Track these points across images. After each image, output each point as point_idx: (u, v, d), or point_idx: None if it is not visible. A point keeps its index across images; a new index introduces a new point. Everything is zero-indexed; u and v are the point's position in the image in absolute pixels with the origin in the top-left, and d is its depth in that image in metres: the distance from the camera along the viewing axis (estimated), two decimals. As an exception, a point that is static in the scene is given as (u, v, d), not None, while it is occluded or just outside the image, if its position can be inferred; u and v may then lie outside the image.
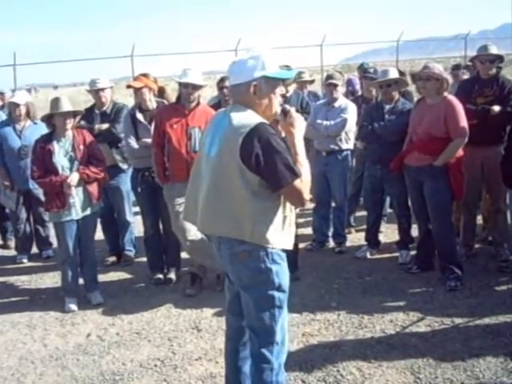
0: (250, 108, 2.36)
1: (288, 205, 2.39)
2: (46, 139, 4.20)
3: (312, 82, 7.14)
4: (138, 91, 4.60)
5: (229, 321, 2.67)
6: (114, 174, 4.97)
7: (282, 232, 2.38)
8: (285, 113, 2.45)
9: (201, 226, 2.52)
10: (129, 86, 4.74)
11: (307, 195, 2.35)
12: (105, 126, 4.94)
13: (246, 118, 2.32)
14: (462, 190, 4.27)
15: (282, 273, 2.42)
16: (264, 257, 2.35)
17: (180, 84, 4.21)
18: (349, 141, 5.13)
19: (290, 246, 2.44)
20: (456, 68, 7.24)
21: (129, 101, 7.56)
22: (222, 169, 2.32)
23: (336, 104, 5.09)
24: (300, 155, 2.38)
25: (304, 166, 2.36)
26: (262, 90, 2.36)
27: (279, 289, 2.42)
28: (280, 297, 2.43)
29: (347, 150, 5.14)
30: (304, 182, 2.32)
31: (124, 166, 5.07)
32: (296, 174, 2.29)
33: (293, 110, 2.49)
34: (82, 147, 4.21)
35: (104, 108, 5.04)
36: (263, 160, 2.25)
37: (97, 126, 4.92)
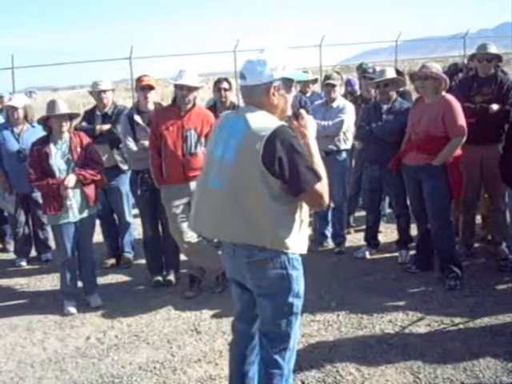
0: (265, 109, 2.30)
1: (304, 208, 2.35)
2: (43, 142, 4.20)
3: (315, 81, 7.13)
4: (148, 90, 4.56)
5: (237, 328, 2.61)
6: (113, 176, 4.98)
7: (299, 236, 2.35)
8: (296, 115, 2.41)
9: (214, 232, 2.44)
10: (142, 83, 4.56)
11: (327, 198, 2.30)
12: (106, 126, 4.97)
13: (264, 121, 2.27)
14: (461, 189, 4.26)
15: (300, 279, 2.40)
16: (285, 263, 2.32)
17: (175, 86, 4.20)
18: (347, 141, 5.13)
19: (305, 250, 2.41)
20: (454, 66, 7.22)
21: (127, 103, 7.58)
22: (241, 173, 2.25)
23: (334, 104, 5.09)
24: (316, 157, 2.34)
25: (321, 168, 2.32)
26: (281, 91, 2.32)
27: (297, 295, 2.40)
28: (298, 304, 2.41)
29: (345, 150, 5.14)
30: (324, 185, 2.28)
31: (124, 167, 5.07)
32: (318, 177, 2.25)
33: (303, 111, 2.46)
34: (78, 149, 4.20)
35: (105, 110, 5.07)
36: (287, 164, 2.19)
37: (98, 127, 4.96)
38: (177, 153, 4.15)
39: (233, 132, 2.32)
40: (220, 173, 2.33)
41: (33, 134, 4.95)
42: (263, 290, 2.37)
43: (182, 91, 4.13)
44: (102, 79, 5.15)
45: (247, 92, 2.36)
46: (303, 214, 2.36)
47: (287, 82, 2.34)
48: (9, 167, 5.24)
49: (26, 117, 5.25)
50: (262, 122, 2.26)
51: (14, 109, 5.20)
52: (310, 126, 2.41)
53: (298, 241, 2.33)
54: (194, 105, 4.24)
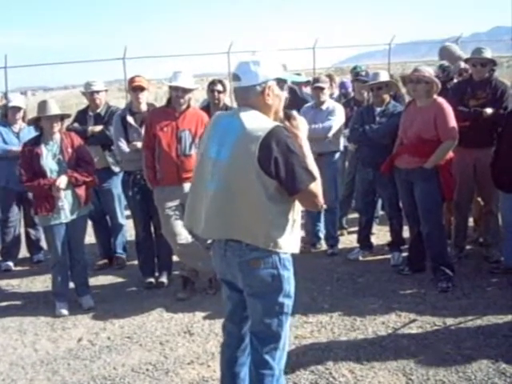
0: (260, 110, 2.32)
1: (296, 209, 2.36)
2: (34, 142, 4.18)
3: (308, 82, 7.14)
4: (139, 91, 4.54)
5: (228, 329, 2.61)
6: (106, 177, 4.96)
7: (291, 236, 2.35)
8: (288, 116, 2.42)
9: (207, 231, 2.43)
10: (133, 84, 4.58)
11: (321, 198, 2.32)
12: (98, 127, 4.94)
13: (259, 121, 2.28)
14: (452, 192, 4.29)
15: (291, 279, 2.41)
16: (277, 263, 2.33)
17: (170, 87, 4.20)
18: (338, 143, 5.14)
19: (297, 250, 2.42)
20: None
21: (120, 103, 7.56)
22: (237, 173, 2.26)
23: (323, 107, 5.11)
24: (309, 157, 2.35)
25: (314, 168, 2.33)
26: (275, 91, 2.34)
27: (288, 295, 2.41)
28: (289, 304, 2.42)
29: (337, 152, 5.15)
30: (318, 185, 2.30)
31: (116, 169, 5.05)
32: (313, 177, 2.27)
33: (295, 112, 2.47)
34: (70, 150, 4.18)
35: (98, 110, 5.05)
36: (283, 164, 2.21)
37: (90, 128, 4.93)
38: (171, 154, 4.14)
39: (227, 132, 2.33)
40: (214, 173, 2.33)
41: (30, 132, 4.91)
42: (254, 289, 2.37)
43: (177, 93, 4.14)
44: (95, 80, 5.12)
45: (242, 93, 2.36)
46: (296, 214, 2.37)
47: (280, 83, 2.37)
48: (5, 164, 5.17)
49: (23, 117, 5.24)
50: (257, 122, 2.27)
51: (18, 109, 5.17)
52: (302, 126, 2.42)
53: (290, 241, 2.34)
54: (188, 106, 4.25)
